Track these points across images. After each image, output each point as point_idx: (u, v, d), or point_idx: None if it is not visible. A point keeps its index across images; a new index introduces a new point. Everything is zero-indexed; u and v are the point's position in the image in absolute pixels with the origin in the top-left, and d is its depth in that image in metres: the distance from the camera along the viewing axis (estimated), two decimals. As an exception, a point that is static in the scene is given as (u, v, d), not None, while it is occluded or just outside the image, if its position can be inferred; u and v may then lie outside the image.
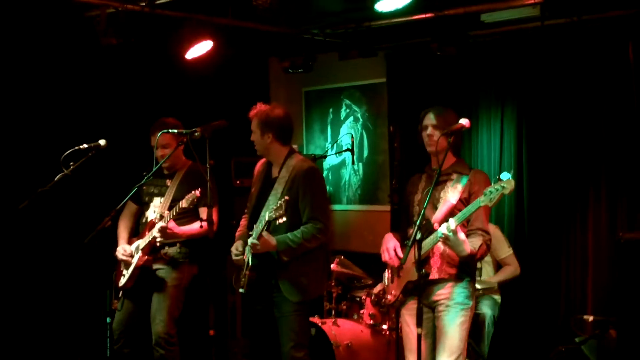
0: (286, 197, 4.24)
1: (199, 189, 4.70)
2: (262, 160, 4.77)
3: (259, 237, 4.31)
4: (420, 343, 3.86)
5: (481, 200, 3.78)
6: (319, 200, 4.51)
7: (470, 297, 4.11)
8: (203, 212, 4.92)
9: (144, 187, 5.10)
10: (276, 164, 4.61)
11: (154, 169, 4.65)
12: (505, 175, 3.71)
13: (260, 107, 4.60)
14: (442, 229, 3.87)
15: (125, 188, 4.52)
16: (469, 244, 3.93)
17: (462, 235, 3.88)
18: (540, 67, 6.01)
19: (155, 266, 5.00)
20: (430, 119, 4.16)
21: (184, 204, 4.73)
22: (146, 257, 4.92)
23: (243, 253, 4.52)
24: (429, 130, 4.15)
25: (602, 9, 5.47)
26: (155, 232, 4.84)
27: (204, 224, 4.43)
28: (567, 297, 5.93)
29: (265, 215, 4.31)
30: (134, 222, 5.24)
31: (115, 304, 4.91)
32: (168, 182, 5.08)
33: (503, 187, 3.69)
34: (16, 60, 5.61)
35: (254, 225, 4.46)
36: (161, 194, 5.07)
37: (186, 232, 4.96)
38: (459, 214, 3.91)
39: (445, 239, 3.89)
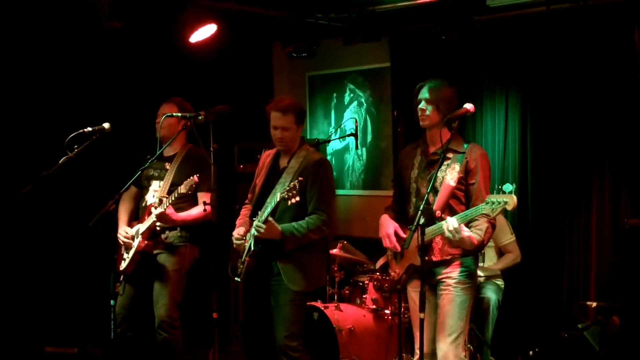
0: (300, 178, 4.21)
1: (197, 175, 4.66)
2: (269, 151, 4.74)
3: (265, 221, 4.29)
4: (422, 327, 3.88)
5: (483, 208, 3.79)
6: (326, 193, 4.51)
7: (473, 277, 4.12)
8: (204, 196, 4.91)
9: (144, 170, 5.10)
10: (287, 154, 4.59)
11: (158, 152, 4.64)
12: (508, 187, 3.72)
13: (285, 100, 4.53)
14: (445, 229, 3.87)
15: (129, 171, 4.52)
16: (475, 235, 3.93)
17: (465, 232, 3.88)
18: (545, 52, 5.98)
19: (155, 251, 4.99)
20: (423, 93, 4.17)
21: (182, 189, 4.70)
22: (146, 242, 4.91)
23: (244, 238, 4.51)
24: (422, 105, 4.15)
25: (607, -7, 5.45)
26: (154, 218, 4.84)
27: (208, 207, 4.43)
28: (570, 284, 5.92)
29: (277, 195, 4.25)
30: (134, 205, 5.23)
31: (118, 287, 4.92)
32: (167, 166, 5.06)
33: (506, 203, 3.69)
34: (20, 45, 5.60)
35: (259, 212, 4.43)
36: (160, 178, 5.04)
37: (185, 218, 4.94)
38: (462, 215, 3.91)
39: (450, 239, 3.90)
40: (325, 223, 4.44)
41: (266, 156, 4.77)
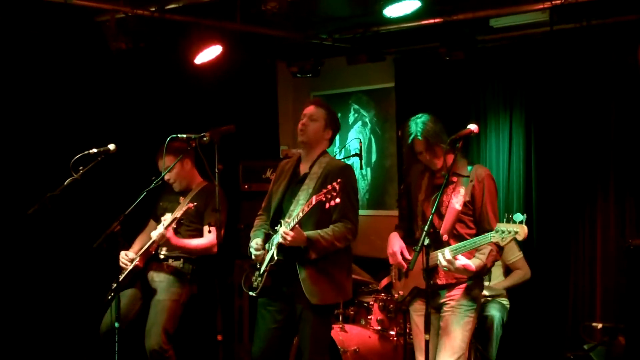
0: (339, 179, 3.96)
1: (193, 203, 4.77)
2: (287, 159, 4.67)
3: (293, 227, 4.12)
4: (428, 349, 3.86)
5: (492, 236, 3.75)
6: (351, 200, 4.36)
7: (476, 299, 4.11)
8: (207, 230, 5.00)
9: (160, 203, 5.17)
10: (308, 160, 4.48)
11: (161, 176, 4.66)
12: (518, 217, 3.64)
13: (325, 102, 4.54)
14: (440, 262, 3.88)
15: (134, 192, 4.52)
16: (475, 261, 3.92)
17: (460, 262, 3.88)
18: (548, 72, 6.01)
19: (157, 277, 5.02)
20: None
21: (176, 213, 4.79)
22: (140, 262, 4.97)
23: (263, 248, 4.37)
24: None
25: (610, 13, 5.47)
26: (153, 236, 4.84)
27: (212, 228, 4.43)
28: (576, 304, 5.91)
29: (313, 199, 4.05)
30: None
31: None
32: (181, 199, 5.09)
33: (516, 233, 3.64)
34: (26, 65, 5.63)
35: (282, 220, 4.25)
36: (172, 210, 5.06)
37: (185, 245, 4.97)
38: (470, 242, 3.89)
39: (445, 270, 3.90)
40: (351, 231, 4.30)
41: (285, 163, 4.66)
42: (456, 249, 3.91)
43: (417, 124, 4.13)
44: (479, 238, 3.87)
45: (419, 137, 4.09)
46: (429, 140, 4.08)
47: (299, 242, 4.17)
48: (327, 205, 3.97)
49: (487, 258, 3.96)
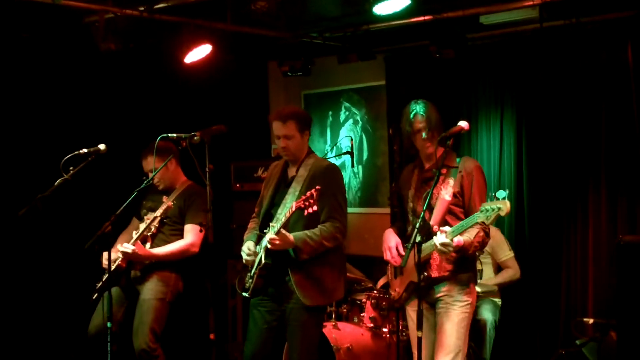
0: (318, 187, 3.99)
1: (172, 201, 4.81)
2: (277, 162, 4.65)
3: (278, 232, 4.13)
4: (420, 345, 3.87)
5: (478, 217, 3.79)
6: (339, 200, 4.36)
7: (470, 294, 4.13)
8: (190, 229, 5.00)
9: (143, 202, 5.15)
10: (295, 163, 4.47)
11: (152, 176, 4.66)
12: (501, 194, 3.70)
13: (286, 109, 4.43)
14: (438, 241, 3.88)
15: (125, 193, 4.51)
16: (462, 237, 3.94)
17: (456, 239, 3.90)
18: (539, 69, 6.02)
19: (141, 277, 5.01)
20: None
21: (157, 212, 4.83)
22: (123, 262, 4.97)
23: (255, 254, 4.37)
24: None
25: (600, 10, 5.49)
26: (120, 255, 4.86)
27: (203, 228, 4.42)
28: (568, 300, 5.93)
29: (292, 205, 4.09)
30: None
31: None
32: (164, 199, 5.08)
33: (499, 209, 3.68)
34: (15, 66, 5.62)
35: (270, 224, 4.25)
36: (156, 209, 5.07)
37: (157, 255, 4.97)
38: (457, 226, 3.91)
39: (441, 252, 3.92)
40: (340, 231, 4.30)
41: (274, 167, 4.65)
42: (455, 230, 3.92)
43: (419, 104, 4.20)
44: (466, 220, 3.90)
45: (422, 113, 4.14)
46: (431, 120, 4.13)
47: (287, 246, 4.19)
48: (306, 212, 4.01)
49: (474, 238, 3.97)
